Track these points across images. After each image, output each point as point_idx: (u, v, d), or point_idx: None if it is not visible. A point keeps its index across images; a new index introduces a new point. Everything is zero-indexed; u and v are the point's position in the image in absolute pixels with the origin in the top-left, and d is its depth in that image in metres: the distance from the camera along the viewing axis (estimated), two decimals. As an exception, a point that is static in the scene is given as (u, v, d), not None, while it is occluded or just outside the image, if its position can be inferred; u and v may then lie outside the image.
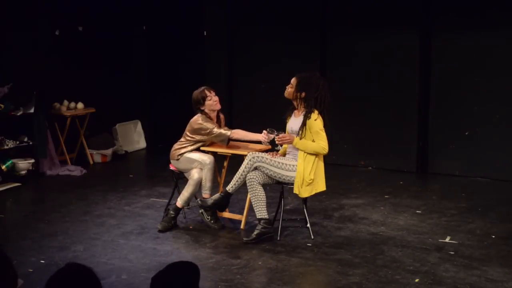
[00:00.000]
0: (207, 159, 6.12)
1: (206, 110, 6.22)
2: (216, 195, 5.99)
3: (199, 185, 6.13)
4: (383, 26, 8.40)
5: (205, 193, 6.15)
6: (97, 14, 9.40)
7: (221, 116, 6.39)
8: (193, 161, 6.17)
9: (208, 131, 6.14)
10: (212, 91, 6.25)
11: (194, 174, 6.12)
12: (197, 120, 6.19)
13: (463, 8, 8.01)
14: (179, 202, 6.20)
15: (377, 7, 8.46)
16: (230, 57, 9.63)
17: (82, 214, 6.70)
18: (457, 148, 8.23)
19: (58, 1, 8.86)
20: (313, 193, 5.81)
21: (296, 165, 5.76)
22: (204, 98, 6.20)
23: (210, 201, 5.95)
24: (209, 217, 6.12)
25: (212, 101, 6.21)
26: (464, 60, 8.07)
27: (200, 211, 6.19)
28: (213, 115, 6.27)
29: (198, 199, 6.06)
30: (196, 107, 6.24)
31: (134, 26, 10.07)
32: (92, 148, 9.18)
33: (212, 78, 9.73)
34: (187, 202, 6.20)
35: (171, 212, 6.21)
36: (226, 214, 6.40)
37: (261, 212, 5.79)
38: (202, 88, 6.27)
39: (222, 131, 6.15)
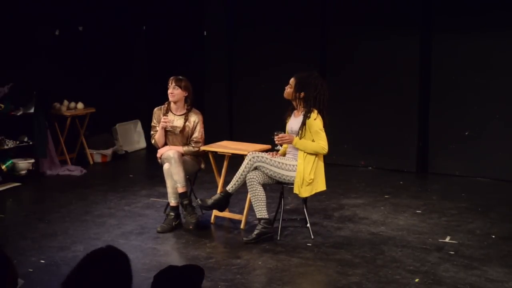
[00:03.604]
0: (171, 153, 6.13)
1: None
2: (216, 195, 5.99)
3: (171, 175, 6.13)
4: (383, 27, 8.40)
5: (178, 187, 6.12)
6: (97, 14, 9.39)
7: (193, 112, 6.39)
8: (163, 159, 6.22)
9: (152, 123, 6.40)
10: (174, 83, 6.26)
11: (164, 167, 6.17)
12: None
13: (463, 8, 8.01)
14: (170, 201, 6.21)
15: (377, 8, 8.46)
16: (230, 57, 9.63)
17: (82, 214, 6.70)
18: (457, 148, 8.23)
19: (58, 1, 8.86)
20: (313, 193, 5.82)
21: (296, 165, 5.76)
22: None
23: (210, 201, 5.95)
24: (184, 212, 6.16)
25: (168, 91, 6.29)
26: (464, 60, 8.07)
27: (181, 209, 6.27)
28: (178, 105, 6.32)
29: (198, 199, 6.06)
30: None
31: (134, 26, 10.07)
32: (92, 148, 9.18)
33: (212, 78, 9.75)
34: (176, 196, 6.18)
35: (171, 213, 6.21)
36: (226, 214, 6.41)
37: (261, 212, 5.79)
38: (175, 77, 6.31)
39: (152, 132, 6.38)
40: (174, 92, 6.26)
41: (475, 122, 8.09)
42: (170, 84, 6.28)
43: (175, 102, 6.32)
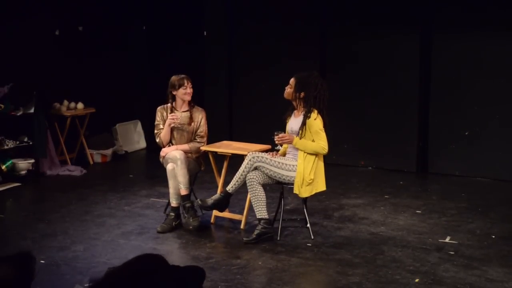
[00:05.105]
0: (177, 154, 6.13)
1: (177, 96, 6.32)
2: (216, 195, 5.99)
3: (175, 175, 6.13)
4: (383, 26, 8.40)
5: (181, 189, 6.11)
6: (97, 14, 9.40)
7: (197, 110, 6.42)
8: (167, 159, 6.22)
9: (155, 122, 6.39)
10: (189, 83, 6.30)
11: (168, 167, 6.16)
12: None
13: (463, 8, 8.01)
14: (172, 201, 6.21)
15: (377, 7, 8.46)
16: (230, 57, 9.63)
17: (82, 214, 6.70)
18: (457, 148, 8.23)
19: (58, 1, 8.86)
20: (313, 193, 5.82)
21: (296, 165, 5.76)
22: (180, 85, 6.30)
23: (210, 201, 5.95)
24: (186, 215, 6.14)
25: (185, 91, 6.29)
26: (464, 60, 8.07)
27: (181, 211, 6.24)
28: (183, 103, 6.35)
29: (198, 199, 6.06)
30: (169, 90, 6.35)
31: (134, 26, 10.07)
32: (92, 148, 9.18)
33: (212, 78, 9.75)
34: (177, 197, 6.18)
35: (171, 214, 6.21)
36: (226, 214, 6.40)
37: (261, 212, 5.79)
38: (183, 76, 6.33)
39: (156, 131, 6.36)
40: (191, 90, 6.32)
41: (475, 122, 8.09)
42: (186, 84, 6.27)
43: (185, 100, 6.35)
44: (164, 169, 6.34)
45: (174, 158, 6.12)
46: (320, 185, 5.85)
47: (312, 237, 5.89)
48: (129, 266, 2.39)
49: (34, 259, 2.68)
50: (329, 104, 5.87)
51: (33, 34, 8.51)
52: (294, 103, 5.90)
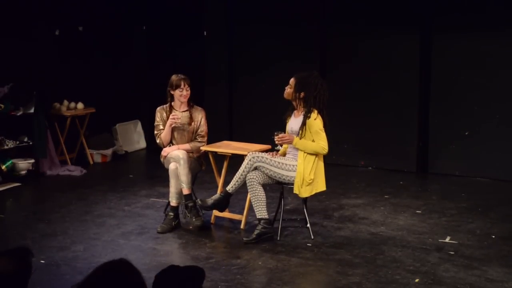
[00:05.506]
0: (180, 154, 6.13)
1: (174, 96, 6.34)
2: (216, 195, 5.99)
3: (177, 175, 6.14)
4: (383, 26, 8.40)
5: (183, 188, 6.12)
6: (97, 14, 9.40)
7: (196, 109, 6.44)
8: (169, 158, 6.22)
9: (155, 123, 6.40)
10: (187, 85, 6.31)
11: (170, 167, 6.16)
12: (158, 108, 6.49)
13: (463, 7, 8.01)
14: (172, 201, 6.21)
15: (377, 7, 8.46)
16: (230, 57, 9.63)
17: (82, 214, 6.70)
18: (457, 148, 8.23)
19: (58, 1, 8.86)
20: (313, 193, 5.82)
21: (296, 165, 5.76)
22: (177, 86, 6.31)
23: (210, 201, 5.95)
24: (189, 214, 6.15)
25: (181, 93, 6.30)
26: (464, 60, 8.07)
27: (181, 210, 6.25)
28: (182, 103, 6.36)
29: (198, 199, 6.06)
30: (168, 89, 6.37)
31: (134, 26, 10.07)
32: (92, 148, 9.18)
33: (212, 79, 9.75)
34: (178, 197, 6.18)
35: (170, 213, 6.21)
36: (226, 214, 6.41)
37: (261, 212, 5.79)
38: (183, 77, 6.33)
39: (156, 132, 6.36)
40: (187, 93, 6.32)
41: (475, 122, 8.09)
42: (182, 86, 6.28)
43: (182, 102, 6.35)
44: (164, 169, 6.34)
45: (176, 157, 6.12)
46: (320, 185, 5.85)
47: (312, 237, 5.89)
48: (92, 279, 2.41)
49: (32, 253, 2.70)
50: (329, 104, 5.87)
51: (33, 34, 8.51)
52: (294, 103, 5.90)
